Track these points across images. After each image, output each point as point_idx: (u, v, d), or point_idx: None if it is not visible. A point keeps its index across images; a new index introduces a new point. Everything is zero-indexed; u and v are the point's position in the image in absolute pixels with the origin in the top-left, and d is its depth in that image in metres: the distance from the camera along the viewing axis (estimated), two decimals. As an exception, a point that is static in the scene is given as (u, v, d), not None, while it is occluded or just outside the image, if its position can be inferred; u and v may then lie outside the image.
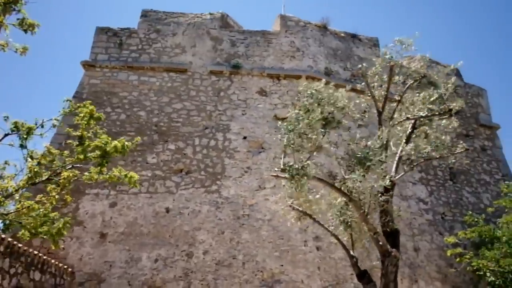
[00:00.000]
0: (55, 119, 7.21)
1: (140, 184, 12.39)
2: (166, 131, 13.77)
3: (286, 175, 6.91)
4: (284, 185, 7.93)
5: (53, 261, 10.04)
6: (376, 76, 7.51)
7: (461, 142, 7.90)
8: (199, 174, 13.10)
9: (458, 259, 12.69)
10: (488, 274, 11.78)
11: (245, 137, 13.92)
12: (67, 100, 7.36)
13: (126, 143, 7.19)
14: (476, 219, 13.08)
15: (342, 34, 17.00)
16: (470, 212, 13.75)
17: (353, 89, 12.32)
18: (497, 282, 11.68)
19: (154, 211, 12.32)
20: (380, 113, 7.62)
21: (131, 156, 12.93)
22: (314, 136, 6.57)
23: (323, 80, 7.56)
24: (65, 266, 10.75)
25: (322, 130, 6.64)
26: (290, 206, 8.00)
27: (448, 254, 12.80)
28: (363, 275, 7.45)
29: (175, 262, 11.63)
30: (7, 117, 7.21)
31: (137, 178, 7.16)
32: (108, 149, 6.88)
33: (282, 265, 11.85)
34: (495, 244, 12.33)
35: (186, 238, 12.02)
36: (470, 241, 13.31)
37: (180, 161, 13.27)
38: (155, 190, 12.68)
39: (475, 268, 12.11)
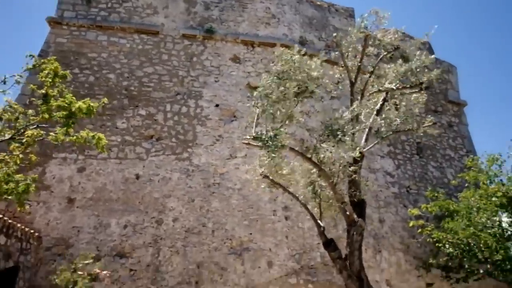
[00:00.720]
0: (18, 75, 6.84)
1: (109, 149, 12.17)
2: (137, 95, 13.42)
3: (258, 143, 6.90)
4: (257, 154, 7.95)
5: (19, 225, 9.84)
6: (351, 46, 7.48)
7: (430, 116, 8.05)
8: (170, 141, 12.93)
9: (420, 231, 13.18)
10: (447, 245, 12.31)
11: (217, 105, 13.76)
12: (30, 56, 6.97)
13: (92, 104, 6.92)
14: (436, 194, 13.55)
15: (318, 3, 16.78)
16: (434, 186, 14.24)
17: (327, 61, 12.33)
18: (454, 253, 12.25)
19: (123, 177, 12.15)
20: (352, 84, 7.65)
21: (100, 120, 12.61)
22: (287, 104, 6.54)
23: (296, 46, 7.46)
24: (32, 231, 10.56)
25: (295, 99, 6.62)
26: (261, 174, 8.03)
27: (410, 225, 13.28)
28: (329, 244, 7.62)
29: (144, 229, 11.60)
30: None
31: (105, 141, 6.94)
32: (73, 109, 6.62)
33: (251, 234, 12.01)
34: (454, 217, 12.85)
35: (156, 205, 11.96)
36: (433, 214, 13.79)
37: (151, 127, 13.04)
38: (124, 156, 12.46)
39: (435, 239, 12.61)
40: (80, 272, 8.99)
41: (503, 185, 12.19)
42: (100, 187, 11.91)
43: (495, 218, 12.32)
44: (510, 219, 12.15)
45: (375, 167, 14.51)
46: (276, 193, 8.87)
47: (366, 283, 7.20)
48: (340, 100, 14.08)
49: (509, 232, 12.06)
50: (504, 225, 12.30)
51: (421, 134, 7.51)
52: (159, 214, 11.85)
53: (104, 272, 10.12)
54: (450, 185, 14.92)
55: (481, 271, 12.18)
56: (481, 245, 11.75)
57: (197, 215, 11.99)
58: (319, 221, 7.92)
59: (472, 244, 11.91)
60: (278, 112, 7.00)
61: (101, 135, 6.76)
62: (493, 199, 12.24)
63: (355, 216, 7.39)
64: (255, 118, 7.16)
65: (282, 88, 6.93)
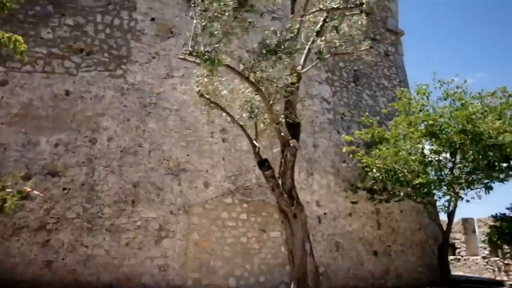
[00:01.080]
0: None
1: (34, 62, 11.27)
2: (63, 2, 12.12)
3: (196, 60, 6.65)
4: (195, 74, 7.75)
5: None
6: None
7: (368, 40, 8.12)
8: (102, 56, 12.12)
9: (351, 156, 13.92)
10: (374, 170, 13.18)
11: (153, 19, 12.86)
12: None
13: None
14: (371, 121, 14.23)
15: None
16: (367, 114, 14.87)
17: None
18: (380, 177, 13.18)
19: (52, 93, 11.40)
20: (294, 0, 7.43)
21: (22, 29, 11.42)
22: (226, 19, 6.25)
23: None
24: (-51, 146, 9.85)
25: (235, 13, 6.35)
26: (198, 93, 7.87)
27: (343, 150, 13.96)
28: (263, 163, 7.79)
29: (77, 148, 11.18)
30: None
31: (25, 46, 6.26)
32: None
33: (188, 155, 12.01)
34: (383, 144, 13.64)
35: (89, 123, 11.47)
36: (364, 141, 14.52)
37: (80, 39, 12.06)
38: (52, 70, 11.58)
39: (364, 164, 13.42)
40: (9, 190, 8.59)
41: (429, 115, 12.98)
42: (26, 103, 11.15)
43: (418, 145, 13.25)
44: (432, 147, 13.12)
45: (312, 93, 14.73)
46: (214, 115, 8.79)
47: (297, 201, 7.54)
48: (281, 21, 13.76)
49: (429, 159, 13.09)
50: (426, 152, 13.30)
51: (357, 58, 7.60)
52: (92, 133, 11.42)
53: (36, 192, 9.79)
54: (382, 113, 15.60)
55: (402, 194, 13.27)
56: (405, 170, 12.70)
57: (133, 135, 11.71)
58: (254, 142, 8.03)
59: (397, 169, 12.83)
60: (217, 29, 6.70)
61: (19, 37, 6.06)
62: (419, 128, 13.07)
63: (289, 137, 7.55)
64: (192, 33, 6.81)
65: (222, 3, 6.58)
